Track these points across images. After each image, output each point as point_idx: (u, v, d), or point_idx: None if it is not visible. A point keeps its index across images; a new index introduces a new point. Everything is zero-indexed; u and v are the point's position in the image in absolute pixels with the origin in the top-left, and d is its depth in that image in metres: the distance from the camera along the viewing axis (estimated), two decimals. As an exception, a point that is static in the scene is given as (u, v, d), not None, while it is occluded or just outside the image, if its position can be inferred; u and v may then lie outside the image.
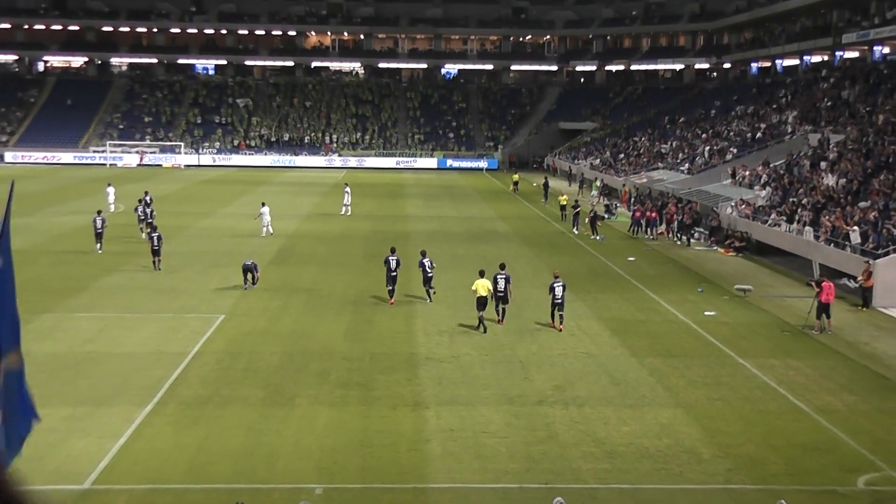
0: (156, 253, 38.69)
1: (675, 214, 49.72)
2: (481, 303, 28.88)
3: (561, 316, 29.56)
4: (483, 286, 29.07)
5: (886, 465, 18.21)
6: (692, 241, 48.00)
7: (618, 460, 18.41)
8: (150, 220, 45.71)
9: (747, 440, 19.61)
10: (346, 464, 17.99)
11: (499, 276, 29.71)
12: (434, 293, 33.17)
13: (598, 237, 48.58)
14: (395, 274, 32.72)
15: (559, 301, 29.34)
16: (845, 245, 36.58)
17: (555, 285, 29.46)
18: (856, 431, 20.06)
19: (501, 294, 29.64)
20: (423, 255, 33.17)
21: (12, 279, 8.25)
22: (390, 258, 32.74)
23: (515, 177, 77.84)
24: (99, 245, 42.78)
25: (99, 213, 43.85)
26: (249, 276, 34.37)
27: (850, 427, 20.33)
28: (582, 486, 17.23)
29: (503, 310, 29.85)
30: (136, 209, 48.74)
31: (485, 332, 28.66)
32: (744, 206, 47.69)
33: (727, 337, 28.31)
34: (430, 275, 32.84)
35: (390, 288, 32.82)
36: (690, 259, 43.42)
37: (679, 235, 48.67)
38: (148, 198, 50.96)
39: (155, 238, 38.84)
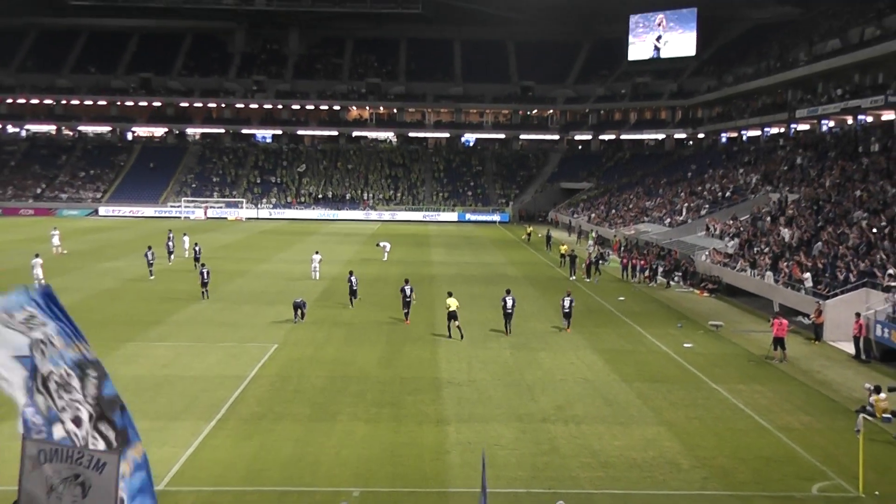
0: (204, 285, 39.81)
1: (656, 263, 49.67)
2: (452, 315, 31.54)
3: (568, 322, 33.72)
4: (452, 303, 31.74)
5: (836, 475, 18.04)
6: (672, 283, 47.84)
7: (610, 469, 18.29)
8: (197, 257, 50.06)
9: (720, 453, 19.45)
10: (379, 471, 17.92)
11: (507, 298, 32.67)
12: (408, 316, 34.91)
13: (594, 279, 48.56)
14: (409, 300, 34.80)
15: (567, 311, 33.50)
16: (800, 288, 36.44)
17: (564, 300, 33.82)
18: (810, 446, 19.89)
19: (510, 312, 32.63)
20: (406, 282, 35.41)
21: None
22: (405, 287, 34.96)
23: (529, 229, 77.80)
24: (150, 272, 45.93)
25: (149, 248, 46.90)
26: (299, 311, 34.54)
27: (806, 442, 20.16)
28: (580, 491, 17.12)
29: (509, 324, 32.80)
30: (167, 244, 54.12)
31: (449, 336, 31.54)
32: (716, 254, 47.59)
33: (702, 365, 28.15)
34: (408, 300, 34.84)
35: (406, 311, 34.93)
36: (671, 299, 43.23)
37: (655, 278, 48.49)
38: (171, 234, 56.23)
39: (205, 273, 40.08)
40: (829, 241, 39.82)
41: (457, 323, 31.52)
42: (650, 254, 53.79)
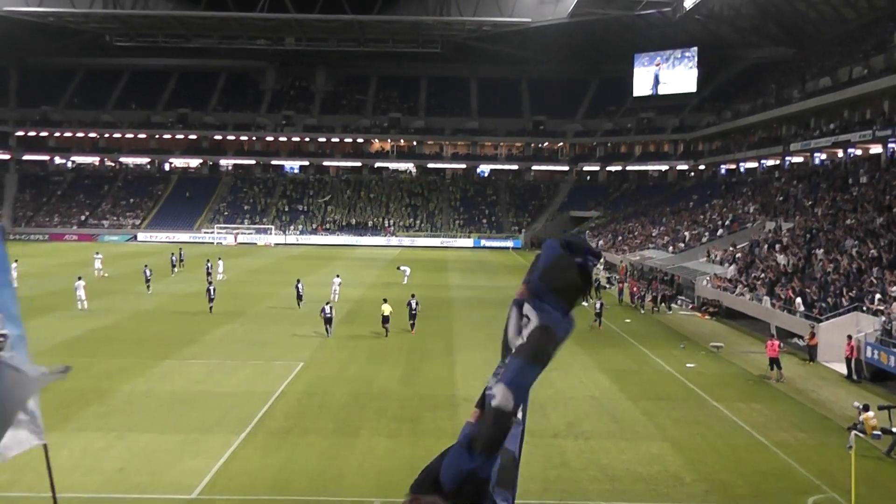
0: (211, 301, 41.60)
1: (644, 290, 49.13)
2: (385, 319, 35.63)
3: (600, 321, 39.32)
4: (386, 308, 35.95)
5: (829, 489, 17.93)
6: (674, 306, 47.63)
7: (617, 482, 18.22)
8: (209, 272, 53.40)
9: (720, 467, 19.36)
10: (399, 482, 17.87)
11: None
12: (414, 326, 37.04)
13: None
14: (414, 312, 37.08)
15: (598, 311, 39.43)
16: (795, 311, 36.28)
17: (596, 303, 39.78)
18: (805, 461, 19.77)
19: None
20: (413, 296, 38.02)
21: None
22: (411, 301, 37.39)
23: None
24: (148, 287, 48.71)
25: (146, 266, 50.64)
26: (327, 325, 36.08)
27: (801, 458, 20.04)
28: (588, 503, 17.04)
29: None
30: (170, 258, 60.86)
31: (385, 335, 35.47)
32: (716, 280, 47.42)
33: (704, 384, 28.03)
34: (413, 312, 37.10)
35: (411, 322, 37.09)
36: (674, 322, 43.09)
37: (643, 303, 47.83)
38: (182, 253, 63.39)
39: (211, 290, 42.15)
40: (823, 267, 39.67)
41: (387, 325, 35.68)
42: (642, 280, 53.58)
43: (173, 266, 59.97)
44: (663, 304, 47.07)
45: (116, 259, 68.08)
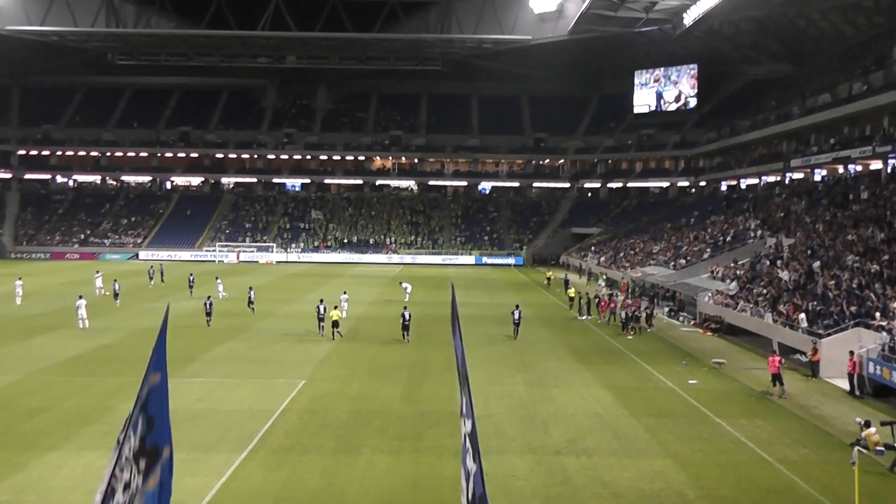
0: (209, 315, 42.60)
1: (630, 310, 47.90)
2: (335, 324, 38.88)
3: (626, 327, 43.34)
4: (335, 314, 39.38)
5: (835, 506, 17.90)
6: (676, 322, 47.51)
7: (620, 500, 18.16)
8: (191, 285, 56.60)
9: (723, 484, 19.30)
10: (401, 501, 17.85)
11: (515, 311, 41.25)
12: (408, 336, 38.97)
13: (590, 318, 48.83)
14: (407, 323, 39.12)
15: (623, 321, 43.28)
16: (797, 327, 36.23)
17: (621, 311, 44.57)
18: (808, 478, 19.70)
19: (517, 322, 40.79)
20: (405, 308, 40.49)
21: (167, 391, 8.10)
22: (405, 313, 39.52)
23: (549, 273, 76.43)
24: (117, 300, 51.42)
25: (115, 280, 53.93)
26: (322, 324, 39.50)
27: (804, 474, 19.98)
28: (589, 521, 17.00)
29: (517, 330, 40.74)
30: (148, 271, 65.51)
31: (333, 339, 38.58)
32: (718, 296, 47.39)
33: (706, 401, 27.97)
34: (406, 324, 39.10)
35: (404, 332, 38.96)
36: (676, 338, 42.99)
37: (629, 325, 45.15)
38: (161, 268, 68.42)
39: (208, 304, 42.94)
40: (824, 282, 39.64)
41: (337, 329, 38.96)
42: (642, 296, 53.38)
43: (150, 279, 63.72)
44: (643, 322, 45.96)
45: (117, 277, 68.04)
